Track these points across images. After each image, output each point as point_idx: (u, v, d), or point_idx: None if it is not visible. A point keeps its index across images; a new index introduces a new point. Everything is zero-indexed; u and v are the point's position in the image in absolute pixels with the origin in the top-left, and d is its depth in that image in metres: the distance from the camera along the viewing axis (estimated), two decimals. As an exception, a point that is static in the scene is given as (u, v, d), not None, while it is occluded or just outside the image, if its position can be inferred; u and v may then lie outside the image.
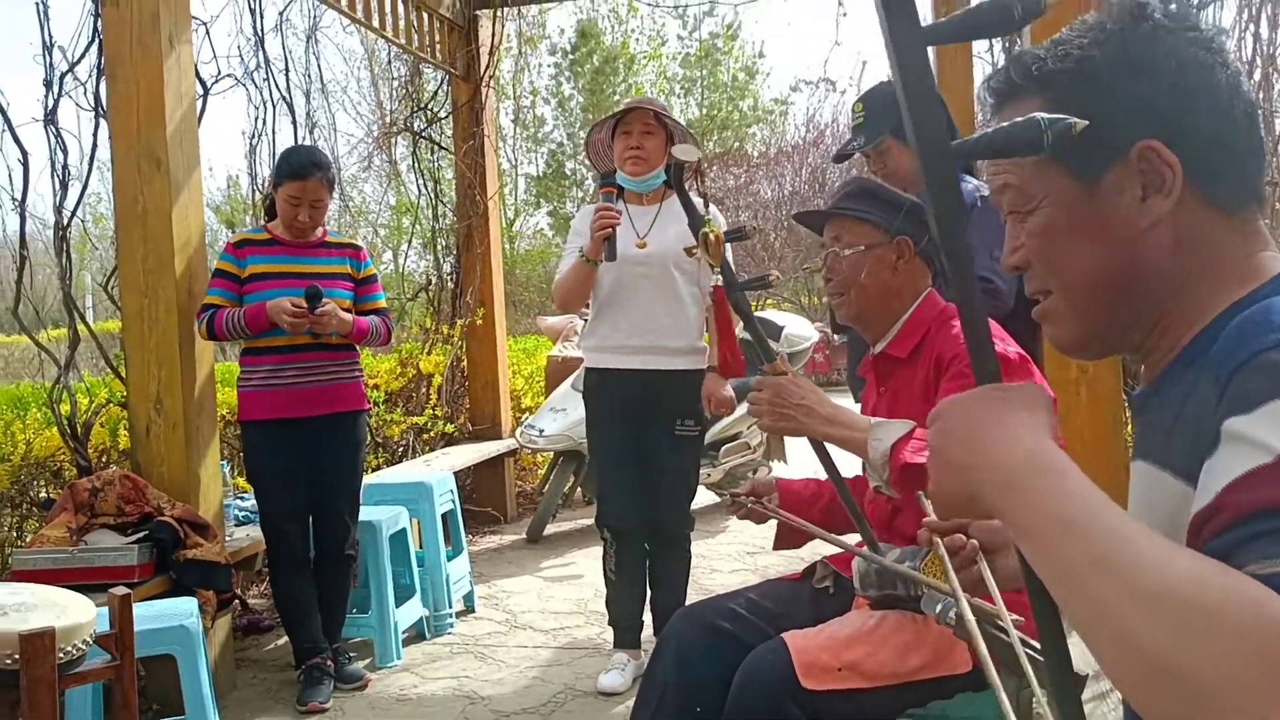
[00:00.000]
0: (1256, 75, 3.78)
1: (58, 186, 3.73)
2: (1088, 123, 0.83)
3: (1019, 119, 0.84)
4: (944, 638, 1.86)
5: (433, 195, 6.43)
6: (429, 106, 6.50)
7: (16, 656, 1.89)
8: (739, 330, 2.22)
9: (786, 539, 2.24)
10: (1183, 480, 0.85)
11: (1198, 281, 0.92)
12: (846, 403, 3.20)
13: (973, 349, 0.89)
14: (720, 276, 2.02)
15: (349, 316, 3.47)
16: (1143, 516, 0.92)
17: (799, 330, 7.02)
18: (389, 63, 8.73)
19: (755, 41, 24.30)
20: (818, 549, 2.05)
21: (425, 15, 5.76)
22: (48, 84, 3.71)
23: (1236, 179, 0.92)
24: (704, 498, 6.26)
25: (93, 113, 3.79)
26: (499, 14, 6.31)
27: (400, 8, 5.48)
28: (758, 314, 7.16)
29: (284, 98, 5.34)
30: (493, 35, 6.31)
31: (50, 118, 3.72)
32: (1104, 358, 1.06)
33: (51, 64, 3.72)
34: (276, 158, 3.69)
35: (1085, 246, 0.94)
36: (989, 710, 1.95)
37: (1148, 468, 0.92)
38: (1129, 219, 0.92)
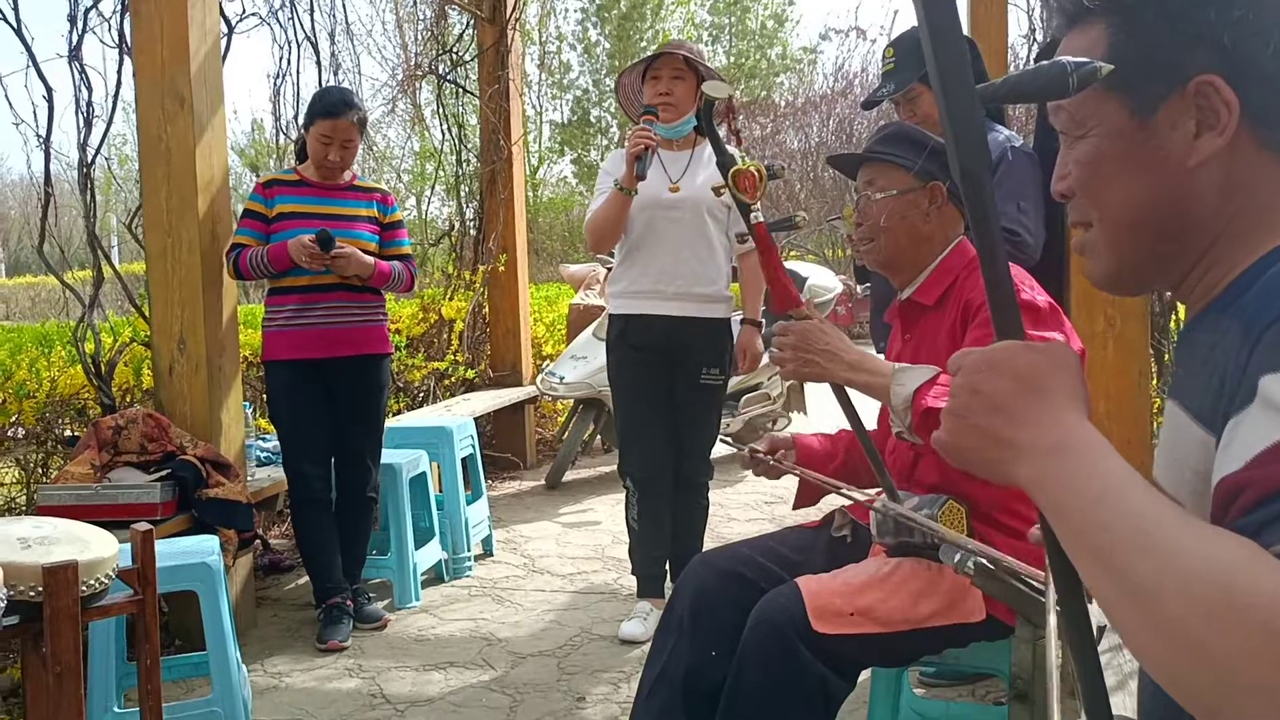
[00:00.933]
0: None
1: (81, 124, 3.71)
2: (1113, 67, 0.80)
3: (1044, 63, 0.81)
4: (957, 586, 1.86)
5: (456, 140, 6.39)
6: (454, 50, 6.43)
7: (40, 589, 1.91)
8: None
9: (806, 497, 2.24)
10: (1203, 427, 0.83)
11: (1242, 225, 0.89)
12: (869, 351, 3.20)
13: (993, 299, 0.86)
14: (759, 214, 1.98)
15: (369, 260, 3.46)
16: (1167, 458, 0.91)
17: (822, 281, 6.98)
18: (414, 4, 8.65)
19: (785, -12, 23.94)
20: (835, 499, 2.04)
21: (450, -44, 5.69)
22: (71, 19, 3.68)
23: None
24: (722, 447, 6.27)
25: (117, 49, 3.77)
26: (525, -45, 6.22)
27: (425, -52, 5.41)
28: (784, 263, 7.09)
29: (309, 38, 5.30)
30: (519, -23, 6.23)
31: (74, 54, 3.69)
32: (1138, 294, 1.03)
33: (75, -1, 3.69)
34: (309, 99, 3.67)
35: (1130, 180, 0.91)
36: (1003, 659, 1.95)
37: (1176, 409, 0.90)
38: (1179, 155, 0.88)
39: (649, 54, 3.45)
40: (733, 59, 22.17)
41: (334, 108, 3.44)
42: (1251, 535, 0.68)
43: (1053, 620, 1.22)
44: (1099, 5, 0.91)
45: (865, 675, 2.11)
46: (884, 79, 2.98)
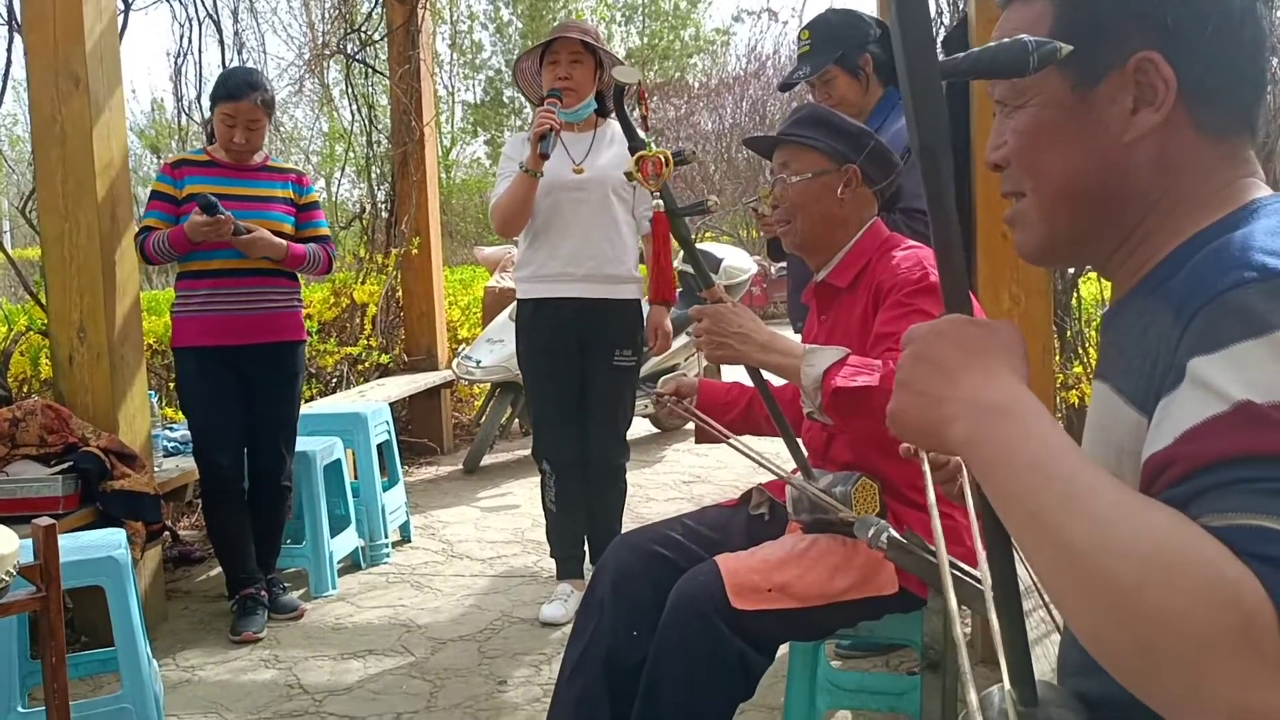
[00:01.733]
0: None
1: (-31, 104, 3.56)
2: (1072, 48, 0.82)
3: (1005, 40, 0.83)
4: (871, 561, 1.91)
5: (367, 121, 6.27)
6: (363, 29, 6.31)
7: (-64, 587, 1.84)
8: (677, 261, 2.22)
9: (707, 434, 2.28)
10: (1135, 409, 0.85)
11: (1173, 204, 0.91)
12: (785, 334, 3.24)
13: (943, 271, 0.87)
14: (660, 201, 2.00)
15: (280, 242, 3.38)
16: (1096, 439, 0.93)
17: (737, 262, 7.03)
18: (320, -18, 8.44)
19: (697, -31, 23.98)
20: (755, 478, 2.08)
21: (357, -68, 5.57)
22: (-44, -4, 3.52)
23: (1231, 106, 0.91)
24: (640, 428, 6.29)
25: (6, 27, 3.61)
26: (434, -67, 6.12)
27: (331, -77, 5.29)
28: (698, 246, 7.13)
29: (210, 16, 5.16)
30: (429, -45, 6.13)
31: (-40, 32, 3.54)
32: (1066, 266, 1.06)
33: (-41, -26, 3.53)
34: (213, 81, 3.56)
35: (1066, 151, 0.93)
36: (914, 630, 2.00)
37: (1105, 389, 0.92)
38: (1115, 129, 0.91)
39: (546, 37, 3.41)
40: (646, 39, 22.14)
41: (237, 89, 3.36)
42: (1179, 508, 0.70)
43: (953, 596, 1.25)
44: None
45: (783, 650, 2.15)
46: (799, 61, 3.01)
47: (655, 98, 19.21)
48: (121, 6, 3.89)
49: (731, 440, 2.05)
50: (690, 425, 2.34)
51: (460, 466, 5.83)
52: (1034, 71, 0.81)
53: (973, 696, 0.89)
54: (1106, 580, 0.67)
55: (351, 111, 6.33)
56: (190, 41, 5.05)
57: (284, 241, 3.40)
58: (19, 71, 3.56)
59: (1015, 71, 0.81)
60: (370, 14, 6.29)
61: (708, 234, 17.42)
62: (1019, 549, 0.76)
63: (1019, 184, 0.97)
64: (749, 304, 13.98)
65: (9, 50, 3.63)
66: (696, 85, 20.15)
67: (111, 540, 2.73)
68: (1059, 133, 0.93)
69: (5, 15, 3.61)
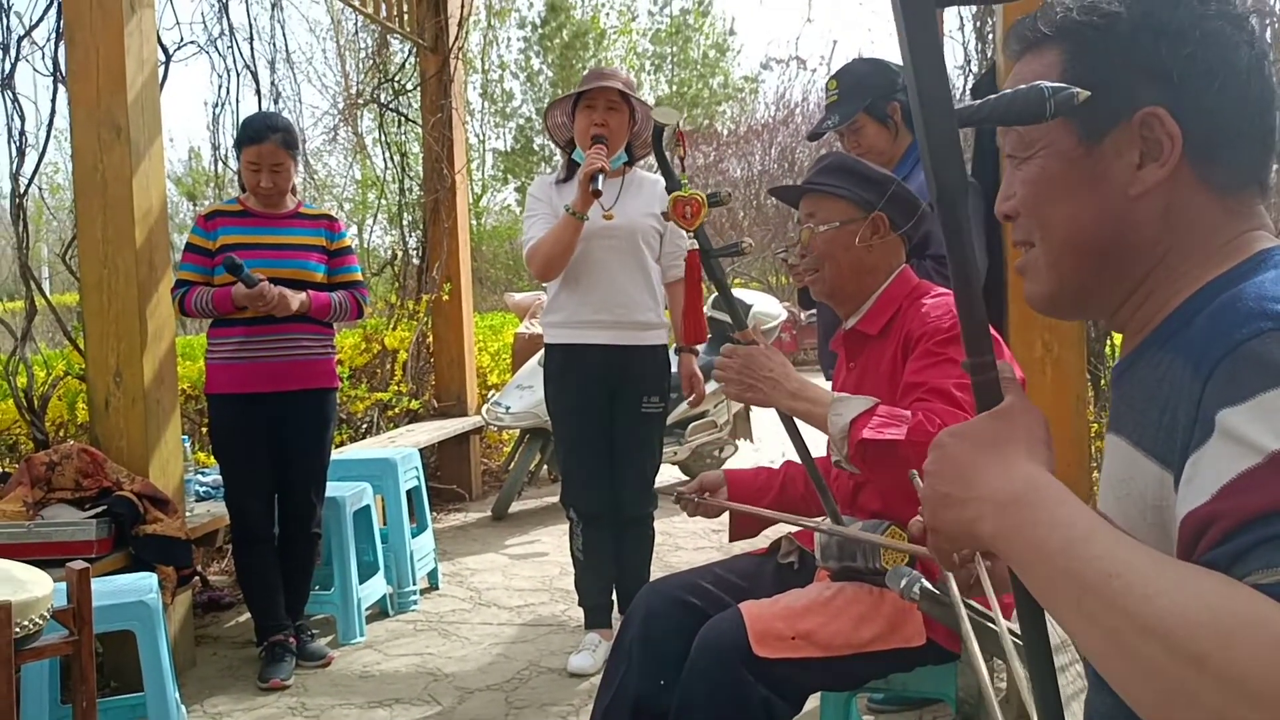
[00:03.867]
0: None
1: (14, 154, 3.64)
2: (1090, 93, 0.82)
3: (1023, 86, 0.83)
4: (898, 610, 1.88)
5: (399, 169, 6.36)
6: (396, 78, 6.42)
7: (-30, 631, 1.86)
8: (707, 306, 2.22)
9: (740, 530, 2.26)
10: (1157, 463, 0.84)
11: (1180, 257, 0.92)
12: (816, 380, 3.23)
13: (964, 317, 0.88)
14: (695, 241, 2.01)
15: (303, 296, 3.40)
16: (1116, 493, 0.92)
17: (767, 309, 7.03)
18: (355, 33, 8.62)
19: (726, 18, 24.27)
20: (782, 526, 2.06)
21: (392, -15, 5.69)
22: (4, 48, 3.62)
23: (1237, 162, 0.91)
24: (668, 475, 6.27)
25: (51, 78, 3.71)
26: (468, -16, 6.24)
27: (367, -24, 5.40)
28: (726, 292, 7.15)
29: (248, 67, 5.26)
30: (462, 6, 6.25)
31: (6, 82, 3.63)
32: (1075, 319, 1.06)
33: (8, 27, 3.63)
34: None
35: (1074, 203, 0.94)
36: (948, 683, 1.97)
37: (1122, 443, 0.92)
38: (1122, 183, 0.91)
39: (582, 85, 3.43)
40: (675, 88, 22.37)
41: (257, 133, 3.41)
42: (1225, 567, 0.70)
43: (975, 645, 1.24)
44: (1056, 32, 0.94)
45: (815, 702, 2.12)
46: (828, 110, 3.03)
47: (684, 145, 19.37)
48: (162, 58, 3.98)
49: (777, 517, 2.01)
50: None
51: (489, 513, 5.83)
52: (1051, 117, 0.81)
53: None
54: (1163, 660, 0.65)
55: (384, 159, 6.43)
56: (228, 92, 5.15)
57: (303, 295, 3.40)
58: (61, 121, 3.64)
59: (1032, 118, 0.82)
60: (404, 64, 6.40)
61: (736, 280, 17.45)
62: (1071, 639, 0.74)
63: (1029, 234, 0.98)
64: (778, 349, 13.99)
65: (53, 100, 3.72)
66: (725, 133, 20.29)
67: (143, 585, 2.75)
68: (1066, 185, 0.94)
69: (50, 68, 3.70)
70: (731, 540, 2.29)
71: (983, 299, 0.86)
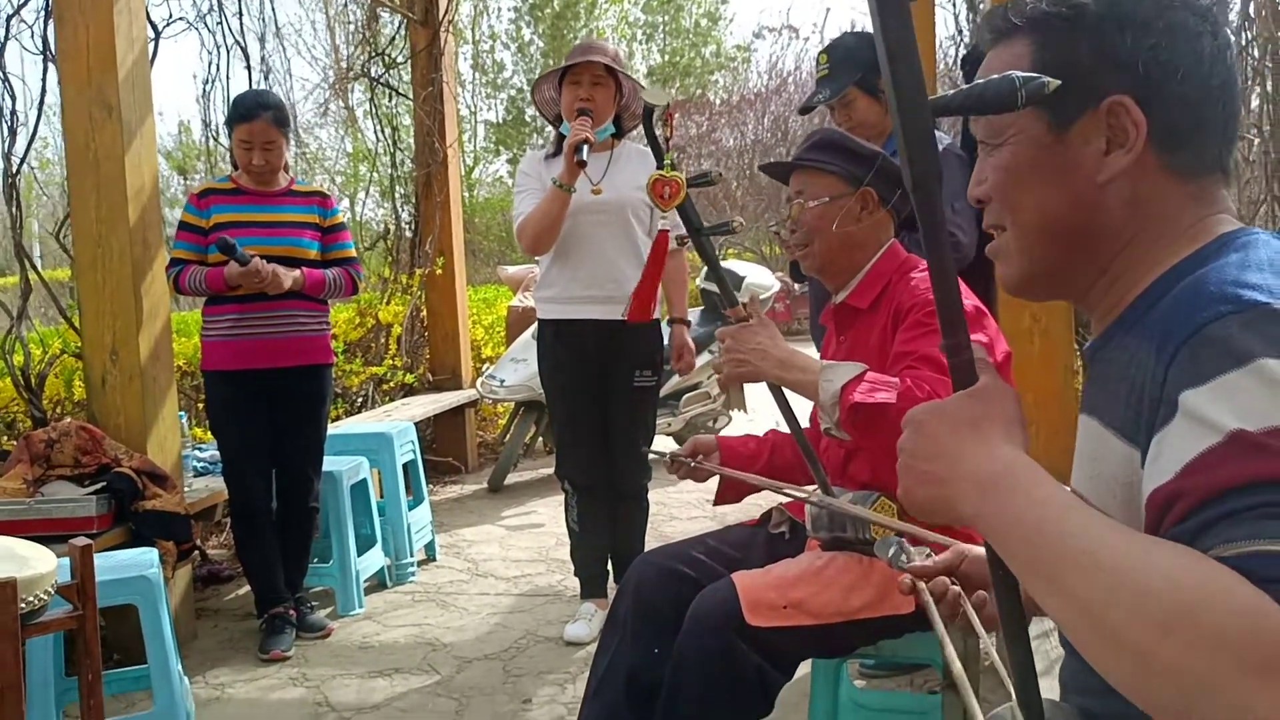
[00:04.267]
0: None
1: (5, 134, 3.64)
2: (1060, 82, 0.85)
3: (994, 76, 0.86)
4: (887, 579, 1.92)
5: (391, 142, 6.35)
6: (386, 52, 6.40)
7: (-23, 607, 1.89)
8: (700, 278, 2.24)
9: (726, 494, 2.29)
10: (1126, 442, 0.88)
11: (1147, 241, 0.95)
12: (808, 351, 3.26)
13: (941, 306, 0.91)
14: (666, 220, 2.03)
15: (296, 273, 3.42)
16: (1088, 471, 0.96)
17: (760, 280, 7.05)
18: (344, 6, 8.57)
19: (717, -13, 24.05)
20: (772, 497, 2.10)
21: (381, -42, 5.66)
22: (-7, 26, 3.61)
23: (1200, 148, 0.94)
24: (661, 446, 6.32)
25: (41, 57, 3.70)
26: (457, -43, 6.21)
27: (356, -50, 5.38)
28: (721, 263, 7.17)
29: (238, 42, 5.25)
30: (452, -22, 6.21)
31: (-4, 61, 3.62)
32: (1046, 300, 1.09)
33: (-4, 5, 3.62)
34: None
35: (1042, 189, 0.97)
36: (935, 649, 2.02)
37: (1093, 423, 0.95)
38: (1089, 169, 0.94)
39: (568, 59, 3.42)
40: (667, 57, 22.26)
41: (249, 111, 3.42)
42: (1189, 541, 0.73)
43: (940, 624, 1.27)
44: (1026, 23, 0.97)
45: (806, 669, 2.17)
46: (819, 85, 3.04)
47: (677, 115, 19.29)
48: (152, 34, 3.97)
49: (764, 484, 2.05)
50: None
51: (485, 485, 5.87)
52: (1023, 106, 0.84)
53: (979, 718, 0.91)
54: (1132, 631, 0.69)
55: (375, 133, 6.42)
56: (218, 68, 5.14)
57: (297, 273, 3.42)
58: (51, 99, 3.64)
59: (1005, 106, 0.84)
60: (394, 38, 6.38)
61: (730, 251, 17.45)
62: (1048, 613, 0.77)
63: (1000, 219, 1.01)
64: (771, 320, 14.02)
65: (44, 79, 3.72)
66: (718, 102, 20.21)
67: (144, 560, 2.79)
68: (1035, 171, 0.97)
69: (40, 45, 3.69)
70: (716, 504, 2.33)
71: (959, 281, 0.89)
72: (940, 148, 2.89)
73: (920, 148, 0.84)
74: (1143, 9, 0.92)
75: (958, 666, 1.26)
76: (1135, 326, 0.91)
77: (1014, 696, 0.92)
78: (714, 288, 6.44)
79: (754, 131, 19.11)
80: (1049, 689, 1.16)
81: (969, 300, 2.01)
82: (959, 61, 3.80)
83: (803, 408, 2.02)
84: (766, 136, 18.66)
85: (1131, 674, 0.70)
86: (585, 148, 3.16)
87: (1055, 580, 0.75)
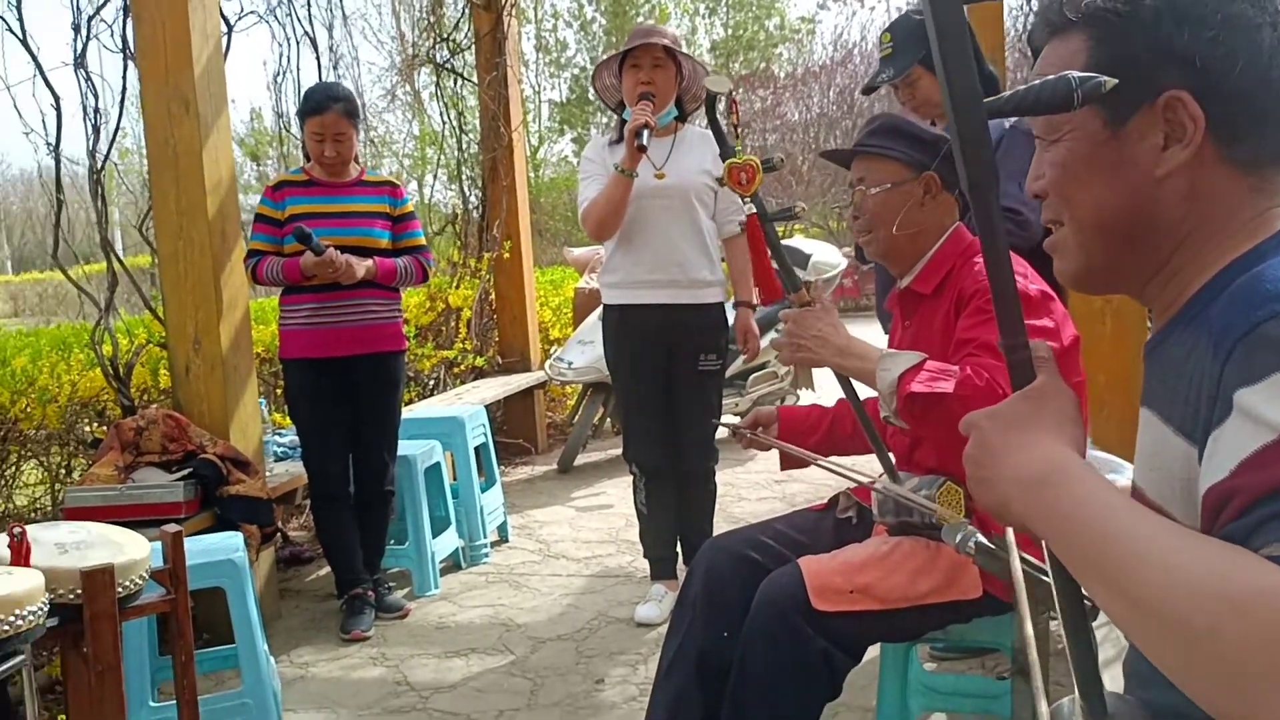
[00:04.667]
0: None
1: (90, 131, 3.77)
2: (1117, 81, 0.85)
3: (1050, 76, 0.86)
4: (955, 564, 1.93)
5: (457, 127, 6.42)
6: (451, 37, 6.46)
7: (79, 591, 1.99)
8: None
9: (790, 462, 2.31)
10: (1184, 439, 0.88)
11: (1205, 235, 0.94)
12: (874, 328, 3.25)
13: (998, 306, 0.92)
14: (753, 206, 2.05)
15: (369, 263, 3.50)
16: (1148, 465, 0.96)
17: (826, 257, 7.01)
18: (409, -8, 8.64)
19: (782, -42, 23.72)
20: (841, 482, 2.11)
21: (445, -55, 5.71)
22: (75, 27, 3.73)
23: (1260, 141, 0.93)
24: (723, 430, 6.33)
25: (121, 54, 3.82)
26: (520, -59, 6.24)
27: (420, -63, 5.43)
28: (786, 242, 7.16)
29: (307, 33, 5.35)
30: (514, -37, 6.25)
31: (80, 61, 3.74)
32: (1103, 294, 1.09)
33: (79, 7, 3.74)
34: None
35: (1099, 185, 0.96)
36: (1005, 634, 2.02)
37: (1152, 418, 0.96)
38: (1146, 165, 0.94)
39: (626, 44, 3.43)
40: (730, 30, 22.06)
41: (319, 104, 3.50)
42: (1243, 540, 0.74)
43: (1025, 600, 1.28)
44: (1081, 17, 0.96)
45: (876, 652, 2.19)
46: (882, 64, 3.01)
47: (741, 89, 19.16)
48: (224, 29, 4.07)
49: (819, 461, 2.08)
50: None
51: (555, 466, 5.95)
52: (1079, 106, 0.84)
53: (1043, 708, 0.93)
54: (1181, 626, 0.70)
55: (441, 117, 6.50)
56: (288, 60, 5.24)
57: (369, 263, 3.50)
58: (130, 93, 3.75)
59: (1061, 106, 0.85)
60: (458, 23, 6.43)
61: (798, 228, 17.32)
62: (1102, 609, 0.79)
63: (1058, 213, 1.02)
64: (840, 296, 13.86)
65: (124, 77, 3.83)
66: (783, 75, 19.99)
67: (230, 544, 2.89)
68: (1092, 167, 0.96)
69: (119, 45, 3.81)
70: (782, 469, 2.36)
71: (1024, 268, 0.90)
72: (1008, 124, 2.86)
73: (975, 150, 0.85)
74: (1200, 2, 0.91)
75: (1033, 653, 1.27)
76: (1193, 322, 0.91)
77: (1075, 687, 0.94)
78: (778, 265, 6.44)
79: (819, 105, 18.87)
80: (1116, 679, 1.17)
81: (1036, 284, 2.00)
82: (1026, 36, 3.73)
83: (866, 392, 2.03)
84: (832, 109, 18.42)
85: (1186, 670, 0.71)
86: (646, 132, 3.18)
87: (1107, 579, 0.76)
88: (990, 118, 0.86)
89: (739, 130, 2.30)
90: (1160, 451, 0.93)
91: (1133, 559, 0.74)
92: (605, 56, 3.52)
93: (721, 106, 2.14)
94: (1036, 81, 0.87)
